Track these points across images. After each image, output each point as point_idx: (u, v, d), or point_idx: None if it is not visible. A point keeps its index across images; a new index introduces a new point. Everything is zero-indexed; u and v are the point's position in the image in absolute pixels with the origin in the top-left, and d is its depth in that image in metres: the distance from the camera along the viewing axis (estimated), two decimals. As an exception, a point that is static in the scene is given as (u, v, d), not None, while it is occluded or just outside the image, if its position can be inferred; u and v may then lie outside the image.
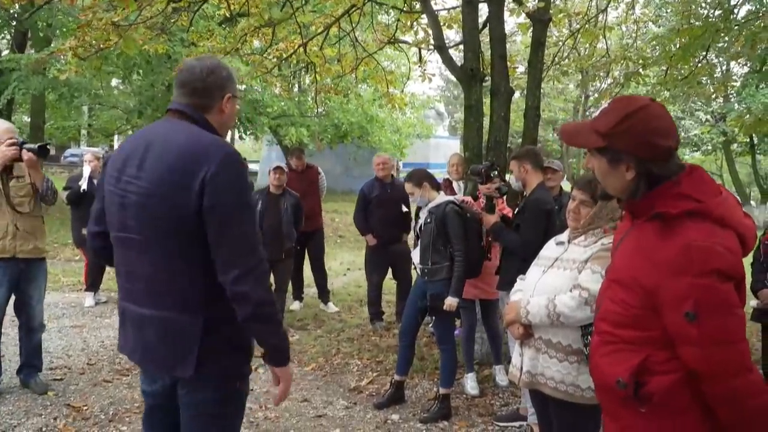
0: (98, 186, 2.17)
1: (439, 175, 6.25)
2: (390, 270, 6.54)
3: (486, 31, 6.12)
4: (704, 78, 8.95)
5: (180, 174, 1.87)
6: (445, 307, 4.13)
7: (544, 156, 5.05)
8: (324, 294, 7.31)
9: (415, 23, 7.79)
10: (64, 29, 13.00)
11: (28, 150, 3.95)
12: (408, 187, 4.43)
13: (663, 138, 1.67)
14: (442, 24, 6.93)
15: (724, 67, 15.87)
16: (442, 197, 4.38)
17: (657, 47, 8.77)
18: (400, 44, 8.34)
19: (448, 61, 6.05)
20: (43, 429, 3.83)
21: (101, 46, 5.59)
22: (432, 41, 6.54)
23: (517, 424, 4.11)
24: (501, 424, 4.17)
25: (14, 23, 15.76)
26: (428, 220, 4.29)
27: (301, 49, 7.27)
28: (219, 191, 1.86)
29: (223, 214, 1.87)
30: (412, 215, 6.32)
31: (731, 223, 1.62)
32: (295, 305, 7.20)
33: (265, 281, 1.94)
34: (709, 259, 1.55)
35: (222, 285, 1.88)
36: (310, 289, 7.67)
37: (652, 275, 1.65)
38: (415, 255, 4.43)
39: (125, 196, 1.95)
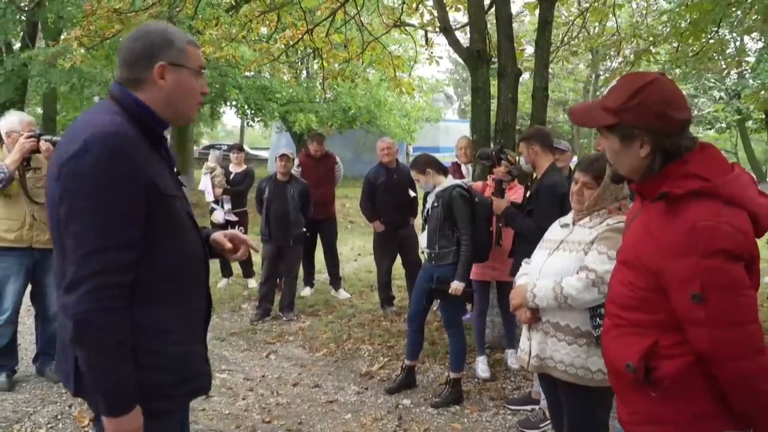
0: None
1: (448, 159, 6.22)
2: (399, 255, 6.53)
3: (492, 12, 6.06)
4: (716, 54, 8.78)
5: (54, 162, 1.59)
6: (450, 291, 4.11)
7: (554, 137, 4.99)
8: (336, 281, 7.32)
9: (420, 5, 7.73)
10: (75, 20, 12.98)
11: (53, 142, 3.97)
12: (413, 173, 4.42)
13: (676, 110, 1.64)
14: (447, 6, 6.86)
15: (737, 43, 15.63)
16: (449, 181, 4.35)
17: (667, 24, 8.63)
18: (407, 27, 8.28)
19: (454, 43, 6.00)
20: (59, 416, 3.88)
21: (106, 35, 5.61)
22: (438, 23, 6.49)
23: (529, 407, 4.10)
24: (513, 407, 4.17)
25: (24, 16, 15.79)
26: (435, 205, 4.27)
27: (308, 36, 7.24)
28: (69, 177, 1.52)
29: (69, 206, 1.52)
30: (419, 200, 6.29)
31: (743, 202, 1.58)
32: (306, 291, 7.23)
33: (99, 299, 1.49)
34: (715, 238, 1.52)
35: None
36: (321, 275, 7.69)
37: (657, 257, 1.62)
38: (423, 239, 4.42)
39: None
